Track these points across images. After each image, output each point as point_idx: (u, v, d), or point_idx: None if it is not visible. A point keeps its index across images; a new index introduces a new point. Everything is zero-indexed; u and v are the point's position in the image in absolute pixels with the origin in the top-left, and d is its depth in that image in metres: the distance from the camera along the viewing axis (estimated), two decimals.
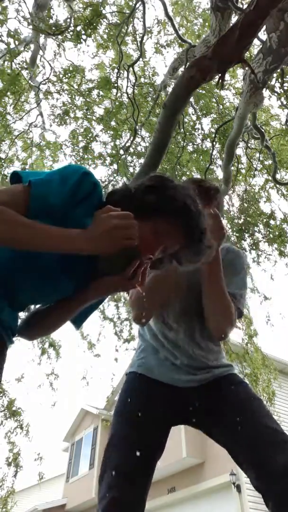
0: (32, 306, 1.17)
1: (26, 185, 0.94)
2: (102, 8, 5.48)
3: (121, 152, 6.42)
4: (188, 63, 4.18)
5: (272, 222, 6.33)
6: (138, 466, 1.27)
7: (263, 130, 5.70)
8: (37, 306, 1.17)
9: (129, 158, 6.62)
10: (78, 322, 1.21)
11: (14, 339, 1.04)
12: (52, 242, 0.92)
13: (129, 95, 5.79)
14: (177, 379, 1.46)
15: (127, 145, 6.32)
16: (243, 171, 6.79)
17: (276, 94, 5.43)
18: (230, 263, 1.55)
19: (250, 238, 6.47)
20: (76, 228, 0.96)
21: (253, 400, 1.39)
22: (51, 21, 5.21)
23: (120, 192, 1.09)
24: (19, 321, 1.11)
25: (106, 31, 6.22)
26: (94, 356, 6.73)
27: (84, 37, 5.21)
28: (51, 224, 0.93)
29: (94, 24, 5.14)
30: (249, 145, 6.67)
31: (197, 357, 1.48)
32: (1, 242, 0.90)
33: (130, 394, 1.44)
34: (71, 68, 6.02)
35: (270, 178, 6.32)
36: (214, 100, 6.66)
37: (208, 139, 6.64)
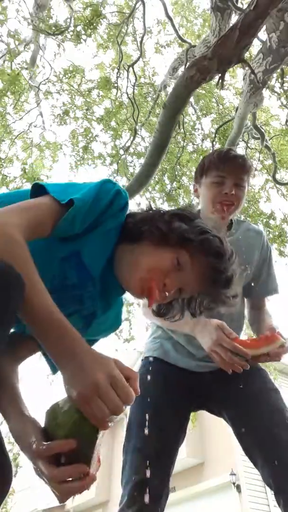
0: None
1: (59, 203, 0.82)
2: (102, 8, 5.49)
3: (121, 152, 6.41)
4: (188, 63, 4.18)
5: (272, 222, 6.33)
6: (158, 448, 1.27)
7: (263, 130, 5.70)
8: None
9: (129, 158, 6.62)
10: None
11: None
12: (41, 321, 0.71)
13: (129, 95, 5.79)
14: (192, 364, 1.45)
15: (127, 145, 6.32)
16: None
17: (276, 94, 5.43)
18: (256, 245, 1.55)
19: None
20: (90, 240, 0.88)
21: (270, 391, 1.37)
22: (51, 21, 5.22)
23: (141, 214, 0.98)
24: None
25: (106, 31, 6.22)
26: None
27: (84, 37, 5.22)
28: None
29: (94, 24, 5.14)
30: (249, 145, 6.67)
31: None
32: None
33: (147, 377, 1.43)
34: (71, 68, 6.03)
35: (270, 178, 6.32)
36: (214, 100, 6.66)
37: (208, 139, 6.64)
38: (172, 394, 1.38)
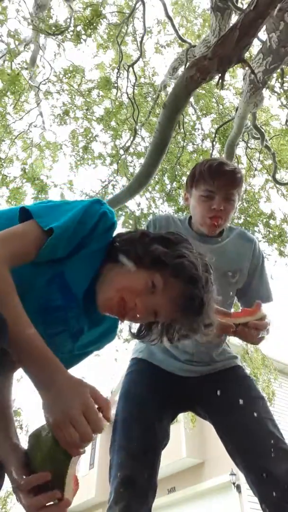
0: None
1: (41, 229, 0.84)
2: (102, 8, 5.49)
3: (121, 152, 6.42)
4: (188, 63, 4.18)
5: (272, 222, 6.34)
6: (143, 445, 1.28)
7: (263, 130, 5.70)
8: None
9: (129, 158, 6.62)
10: None
11: None
12: (24, 351, 0.74)
13: (129, 95, 5.80)
14: (176, 366, 1.47)
15: (127, 145, 6.32)
16: (243, 171, 6.79)
17: (276, 94, 5.44)
18: (247, 253, 1.54)
19: None
20: (79, 262, 0.90)
21: (256, 399, 1.38)
22: (51, 21, 5.22)
23: (126, 235, 0.99)
24: None
25: (106, 31, 6.22)
26: (93, 356, 6.72)
27: (84, 37, 5.22)
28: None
29: (94, 24, 5.15)
30: (249, 145, 6.67)
31: (199, 353, 1.48)
32: None
33: (133, 378, 1.46)
34: (71, 68, 6.03)
35: (270, 178, 6.32)
36: (214, 100, 6.66)
37: (208, 139, 6.65)
38: (157, 393, 1.39)
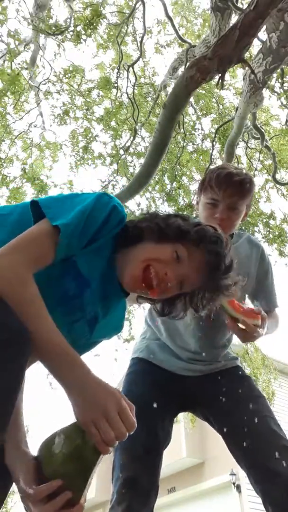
0: None
1: (53, 227, 0.84)
2: (102, 8, 5.48)
3: (121, 152, 6.41)
4: (188, 63, 4.18)
5: (272, 222, 6.33)
6: (146, 446, 1.29)
7: (263, 130, 5.70)
8: None
9: (129, 158, 6.61)
10: None
11: None
12: (52, 355, 0.77)
13: (129, 95, 5.79)
14: (177, 365, 1.47)
15: (127, 145, 6.32)
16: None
17: (276, 94, 5.43)
18: (254, 257, 1.55)
19: None
20: (92, 253, 0.92)
21: (257, 398, 1.38)
22: (51, 21, 5.22)
23: (139, 218, 1.03)
24: None
25: (106, 31, 6.22)
26: (93, 356, 6.73)
27: (84, 37, 5.21)
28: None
29: (94, 24, 5.14)
30: (249, 145, 6.67)
31: (201, 351, 1.48)
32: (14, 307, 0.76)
33: (133, 378, 1.46)
34: (71, 68, 6.02)
35: (270, 178, 6.32)
36: (214, 100, 6.66)
37: (208, 139, 6.64)
38: (158, 393, 1.40)
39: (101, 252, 0.96)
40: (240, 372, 1.50)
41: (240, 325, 1.29)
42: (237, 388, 1.40)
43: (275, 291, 1.61)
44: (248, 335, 1.30)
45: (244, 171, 1.54)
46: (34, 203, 0.91)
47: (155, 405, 1.36)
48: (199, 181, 1.57)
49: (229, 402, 1.36)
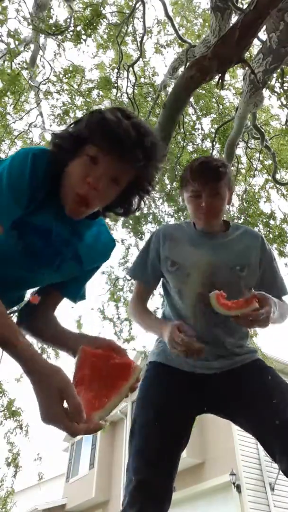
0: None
1: None
2: (102, 8, 5.48)
3: None
4: (188, 63, 4.18)
5: (272, 222, 6.34)
6: (161, 451, 1.28)
7: (263, 130, 5.70)
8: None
9: None
10: (73, 299, 1.18)
11: None
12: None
13: (129, 95, 5.79)
14: (195, 366, 1.45)
15: None
16: (243, 171, 6.79)
17: (276, 94, 5.43)
18: (254, 248, 1.55)
19: None
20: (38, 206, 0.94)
21: (282, 384, 1.36)
22: (51, 21, 5.21)
23: (53, 139, 1.00)
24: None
25: (106, 31, 6.22)
26: None
27: (84, 37, 5.21)
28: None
29: (94, 24, 5.14)
30: (249, 145, 6.67)
31: (219, 345, 1.46)
32: None
33: (151, 382, 1.45)
34: (71, 68, 6.02)
35: (270, 178, 6.32)
36: (214, 100, 6.66)
37: (208, 139, 6.64)
38: (175, 398, 1.38)
39: (47, 200, 0.96)
40: (260, 365, 1.47)
41: (243, 318, 1.28)
42: (259, 380, 1.38)
43: (282, 278, 1.59)
44: (256, 322, 1.27)
45: (215, 157, 1.58)
46: None
47: (171, 410, 1.34)
48: (180, 178, 1.60)
49: (254, 397, 1.34)
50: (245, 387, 1.38)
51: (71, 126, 1.00)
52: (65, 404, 0.71)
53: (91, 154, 0.93)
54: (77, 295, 1.18)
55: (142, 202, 1.06)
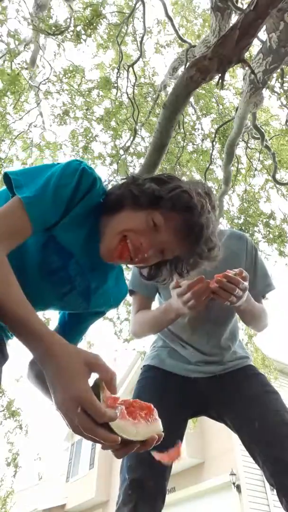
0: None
1: (20, 201, 0.83)
2: (102, 8, 5.48)
3: (121, 152, 6.41)
4: (188, 63, 4.18)
5: (272, 222, 6.34)
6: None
7: (263, 130, 5.70)
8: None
9: (129, 158, 6.61)
10: (72, 339, 1.08)
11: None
12: (16, 319, 0.72)
13: (129, 95, 5.79)
14: (188, 369, 1.48)
15: (127, 145, 6.32)
16: (243, 171, 6.79)
17: (276, 94, 5.43)
18: (241, 250, 1.56)
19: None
20: (70, 223, 0.90)
21: (269, 394, 1.39)
22: (51, 21, 5.21)
23: (119, 185, 0.99)
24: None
25: (106, 31, 6.22)
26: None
27: (84, 37, 5.21)
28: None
29: (94, 24, 5.14)
30: (249, 145, 6.67)
31: (211, 353, 1.50)
32: None
33: (144, 384, 1.48)
34: (71, 68, 6.02)
35: (270, 178, 6.32)
36: (214, 100, 6.66)
37: (208, 139, 6.64)
38: (169, 400, 1.40)
39: (82, 222, 0.94)
40: (251, 371, 1.50)
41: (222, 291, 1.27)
42: (249, 385, 1.41)
43: (267, 274, 1.60)
44: (233, 290, 1.27)
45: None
46: (7, 179, 0.88)
47: (164, 411, 1.36)
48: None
49: (242, 400, 1.37)
50: (236, 394, 1.40)
51: (152, 180, 0.98)
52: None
53: (155, 221, 0.92)
54: (78, 338, 1.11)
55: (169, 277, 1.04)
